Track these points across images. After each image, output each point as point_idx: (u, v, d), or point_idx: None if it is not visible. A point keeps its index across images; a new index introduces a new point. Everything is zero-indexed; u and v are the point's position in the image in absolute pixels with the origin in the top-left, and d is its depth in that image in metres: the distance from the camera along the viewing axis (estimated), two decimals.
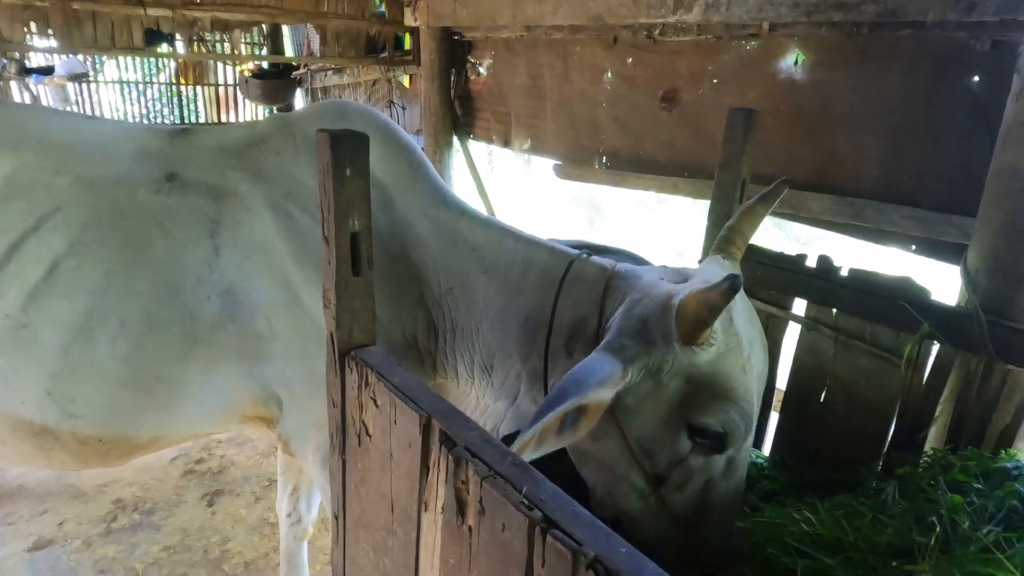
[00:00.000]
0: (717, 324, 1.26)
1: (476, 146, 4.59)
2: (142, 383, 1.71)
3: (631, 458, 1.38)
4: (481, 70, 4.22)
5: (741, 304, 1.41)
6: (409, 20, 4.47)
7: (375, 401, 1.19)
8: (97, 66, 9.12)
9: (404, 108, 5.59)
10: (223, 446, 3.79)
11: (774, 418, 2.17)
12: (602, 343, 1.32)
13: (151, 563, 2.89)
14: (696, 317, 1.22)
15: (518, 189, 7.46)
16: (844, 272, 1.90)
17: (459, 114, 4.44)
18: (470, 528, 0.94)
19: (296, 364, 1.76)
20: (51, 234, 1.64)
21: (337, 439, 1.36)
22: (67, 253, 1.64)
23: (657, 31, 2.83)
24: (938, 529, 1.28)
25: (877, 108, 2.19)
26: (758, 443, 2.08)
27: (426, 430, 1.03)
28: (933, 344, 1.73)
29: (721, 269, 1.41)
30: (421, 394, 1.09)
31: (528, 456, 1.10)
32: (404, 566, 1.15)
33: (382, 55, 4.98)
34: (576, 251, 1.66)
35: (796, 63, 2.38)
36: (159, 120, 9.89)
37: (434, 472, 1.02)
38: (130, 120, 8.40)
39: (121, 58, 9.16)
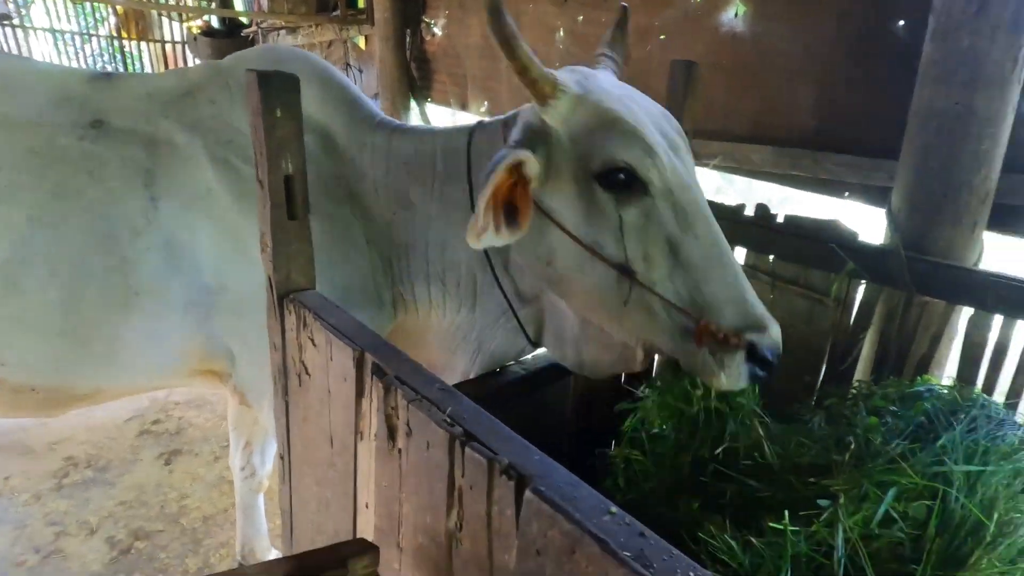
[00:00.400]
0: (560, 75, 1.40)
1: (435, 109, 4.55)
2: (79, 333, 1.69)
3: (589, 254, 1.40)
4: (436, 30, 4.15)
5: (602, 75, 1.55)
6: None
7: (312, 341, 1.21)
8: (23, 9, 8.55)
9: (361, 71, 5.47)
10: (181, 408, 3.78)
11: None
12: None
13: (106, 516, 2.89)
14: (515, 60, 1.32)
15: None
16: (779, 219, 1.97)
17: (416, 76, 4.38)
18: (400, 451, 0.98)
19: (248, 315, 1.76)
20: None
21: (279, 381, 1.38)
22: None
23: None
24: (852, 446, 1.37)
25: (812, 58, 2.24)
26: None
27: (359, 363, 1.06)
28: (860, 284, 1.82)
29: None
30: (355, 331, 1.12)
31: (484, 243, 1.29)
32: (344, 495, 1.19)
33: (334, 13, 4.85)
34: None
35: (736, 15, 2.41)
36: None
37: (367, 402, 1.06)
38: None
39: (52, 2, 8.61)
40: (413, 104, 4.46)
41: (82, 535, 2.82)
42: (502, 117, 1.68)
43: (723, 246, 1.40)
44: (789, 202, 2.52)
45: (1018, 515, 1.24)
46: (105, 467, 3.25)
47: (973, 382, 1.66)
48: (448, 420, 0.87)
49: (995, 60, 1.62)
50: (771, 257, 1.98)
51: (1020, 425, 1.41)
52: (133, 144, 1.72)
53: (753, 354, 1.34)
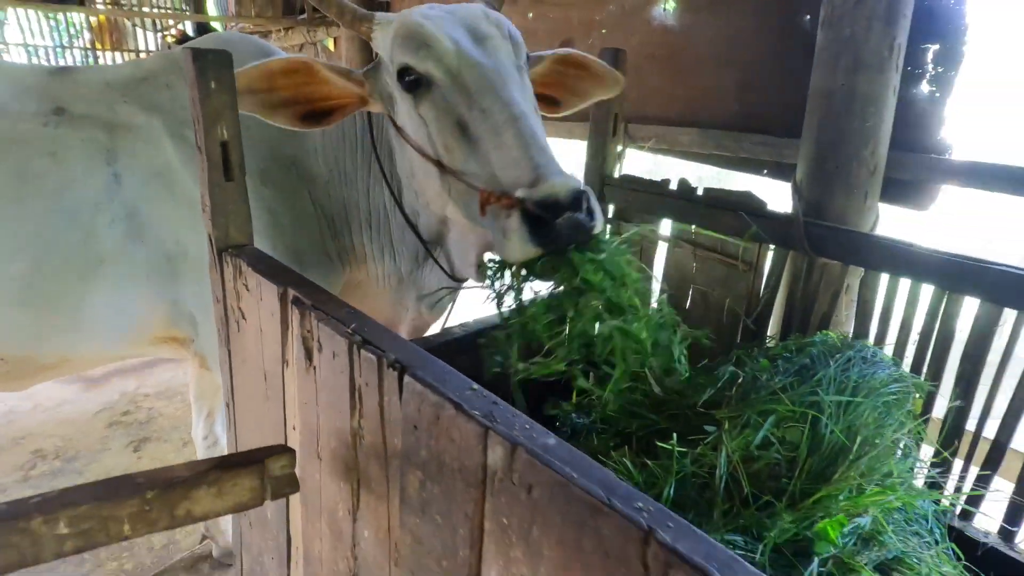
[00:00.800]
0: (378, 15, 1.58)
1: None
2: (43, 303, 1.81)
3: (420, 158, 1.55)
4: None
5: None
6: None
7: (247, 287, 1.34)
8: None
9: None
10: (150, 399, 3.87)
11: None
12: None
13: None
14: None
15: None
16: (699, 192, 2.13)
17: None
18: (314, 367, 1.11)
19: (208, 280, 1.88)
20: None
21: (222, 332, 1.51)
22: None
23: None
24: (741, 382, 1.52)
25: (734, 48, 2.43)
26: None
27: (283, 298, 1.20)
28: (770, 250, 1.98)
29: None
30: (280, 272, 1.25)
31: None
32: (276, 424, 1.32)
33: (301, 16, 5.00)
34: None
35: (665, 9, 2.59)
36: None
37: (289, 332, 1.19)
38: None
39: (24, 18, 8.70)
40: None
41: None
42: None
43: (511, 113, 1.34)
44: (723, 182, 2.69)
45: (879, 438, 1.40)
46: (74, 457, 3.33)
47: (866, 336, 1.83)
48: (350, 331, 1.01)
49: (872, 47, 1.80)
50: (692, 227, 2.14)
51: (891, 366, 1.57)
52: (94, 127, 1.85)
53: (545, 207, 1.21)
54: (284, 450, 1.06)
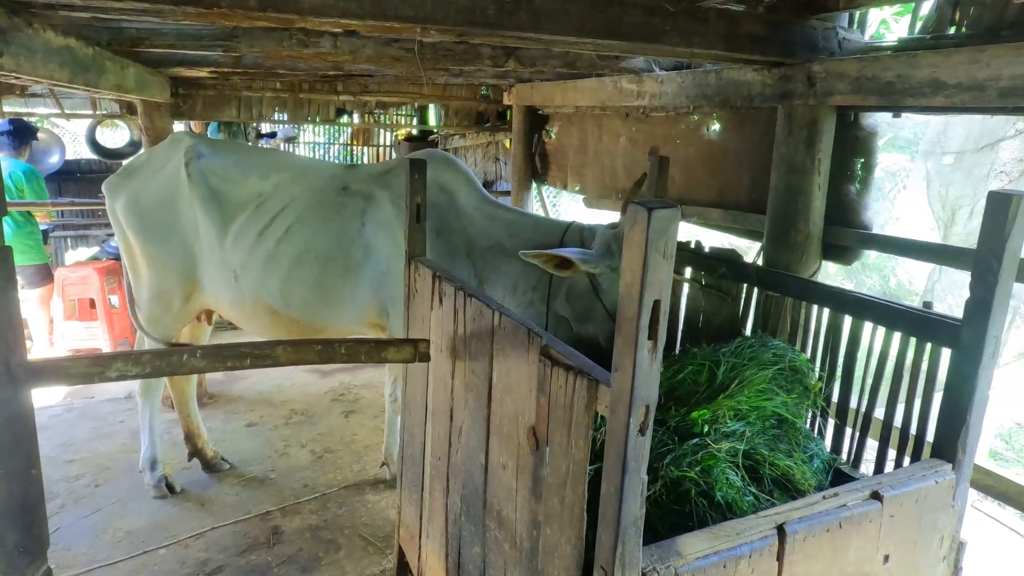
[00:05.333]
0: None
1: (547, 189, 6.21)
2: (322, 292, 3.40)
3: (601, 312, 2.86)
4: (552, 135, 5.83)
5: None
6: (506, 100, 6.24)
7: (419, 274, 2.73)
8: (301, 132, 12.16)
9: (505, 163, 7.33)
10: (357, 388, 5.52)
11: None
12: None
13: (310, 439, 4.61)
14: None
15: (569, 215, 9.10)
16: (706, 249, 3.21)
17: (537, 166, 6.07)
18: (442, 306, 2.45)
19: (399, 288, 3.36)
20: (288, 212, 3.40)
21: (407, 300, 2.91)
22: (294, 222, 3.38)
23: (644, 111, 4.29)
24: (686, 352, 2.59)
25: (749, 155, 3.47)
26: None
27: (435, 279, 2.55)
28: (744, 286, 3.00)
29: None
30: (434, 264, 2.62)
31: (532, 260, 2.74)
32: (425, 333, 2.66)
33: (487, 124, 6.79)
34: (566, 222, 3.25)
35: (711, 128, 3.73)
36: None
37: (435, 292, 2.54)
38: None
39: (313, 128, 12.04)
40: (533, 184, 6.15)
41: (297, 447, 4.54)
42: (584, 226, 3.24)
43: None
44: (751, 249, 3.71)
45: (749, 380, 2.38)
46: (311, 416, 5.02)
47: (794, 342, 2.76)
48: (456, 285, 2.33)
49: (799, 161, 2.83)
50: (702, 272, 3.21)
51: (781, 348, 2.53)
52: (359, 197, 3.46)
53: None
54: (425, 341, 2.40)
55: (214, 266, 3.48)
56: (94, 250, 7.79)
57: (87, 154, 6.98)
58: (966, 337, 1.83)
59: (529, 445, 1.84)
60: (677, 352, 2.79)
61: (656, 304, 1.35)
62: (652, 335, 1.37)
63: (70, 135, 12.47)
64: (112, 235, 4.63)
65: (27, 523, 1.80)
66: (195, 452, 4.15)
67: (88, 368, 1.89)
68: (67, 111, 5.67)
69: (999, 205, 1.64)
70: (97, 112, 5.87)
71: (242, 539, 3.50)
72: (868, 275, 9.07)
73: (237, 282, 3.44)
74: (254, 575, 3.23)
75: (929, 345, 2.14)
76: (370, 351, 2.33)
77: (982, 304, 1.74)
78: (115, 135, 6.41)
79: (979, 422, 1.84)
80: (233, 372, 5.78)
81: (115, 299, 6.14)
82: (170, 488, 3.89)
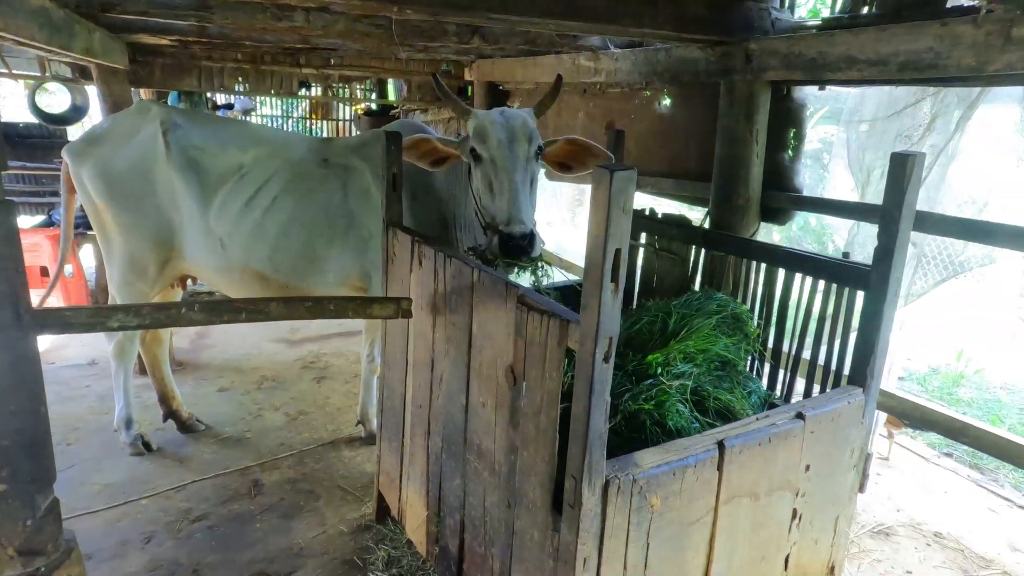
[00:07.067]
0: (473, 112, 2.99)
1: None
2: (308, 257, 3.58)
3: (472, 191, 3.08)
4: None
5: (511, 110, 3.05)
6: (467, 75, 6.40)
7: (398, 240, 2.95)
8: (258, 104, 11.95)
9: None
10: (327, 356, 5.70)
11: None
12: None
13: (284, 402, 4.79)
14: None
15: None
16: (659, 215, 3.51)
17: None
18: (422, 267, 2.68)
19: (379, 254, 3.56)
20: (272, 184, 3.55)
21: (385, 264, 3.13)
22: (279, 193, 3.54)
23: (601, 87, 4.55)
24: (643, 306, 2.89)
25: (696, 127, 3.78)
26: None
27: (413, 241, 2.78)
28: (692, 247, 3.31)
29: None
30: (411, 232, 2.84)
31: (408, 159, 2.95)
32: (405, 292, 2.89)
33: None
34: None
35: (663, 103, 4.02)
36: None
37: (414, 255, 2.77)
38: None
39: (269, 100, 11.88)
40: None
41: (271, 410, 4.72)
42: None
43: (512, 185, 2.76)
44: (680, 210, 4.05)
45: (697, 328, 2.69)
46: (283, 382, 5.18)
47: (736, 295, 3.09)
48: (435, 248, 2.56)
49: (740, 132, 3.14)
50: (655, 236, 3.51)
51: (724, 300, 2.85)
52: (339, 168, 3.63)
53: (503, 237, 2.69)
54: (408, 299, 2.63)
55: (197, 235, 3.62)
56: (39, 218, 7.51)
57: (27, 117, 6.66)
58: (874, 280, 2.16)
59: (507, 383, 2.10)
60: (634, 308, 3.11)
61: (617, 252, 1.62)
62: (614, 278, 1.64)
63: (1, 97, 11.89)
64: (58, 204, 4.61)
65: (38, 455, 1.95)
66: (170, 413, 4.28)
67: (90, 318, 2.05)
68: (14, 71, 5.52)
69: (899, 165, 1.96)
70: (46, 74, 5.76)
71: (223, 491, 3.69)
72: (809, 241, 9.67)
73: (224, 250, 3.59)
74: (238, 522, 3.43)
75: (847, 290, 2.48)
76: (357, 307, 2.54)
77: (886, 251, 2.08)
78: (50, 99, 6.23)
79: (884, 351, 2.19)
80: (200, 341, 5.89)
81: (69, 269, 6.07)
82: (146, 446, 4.02)
